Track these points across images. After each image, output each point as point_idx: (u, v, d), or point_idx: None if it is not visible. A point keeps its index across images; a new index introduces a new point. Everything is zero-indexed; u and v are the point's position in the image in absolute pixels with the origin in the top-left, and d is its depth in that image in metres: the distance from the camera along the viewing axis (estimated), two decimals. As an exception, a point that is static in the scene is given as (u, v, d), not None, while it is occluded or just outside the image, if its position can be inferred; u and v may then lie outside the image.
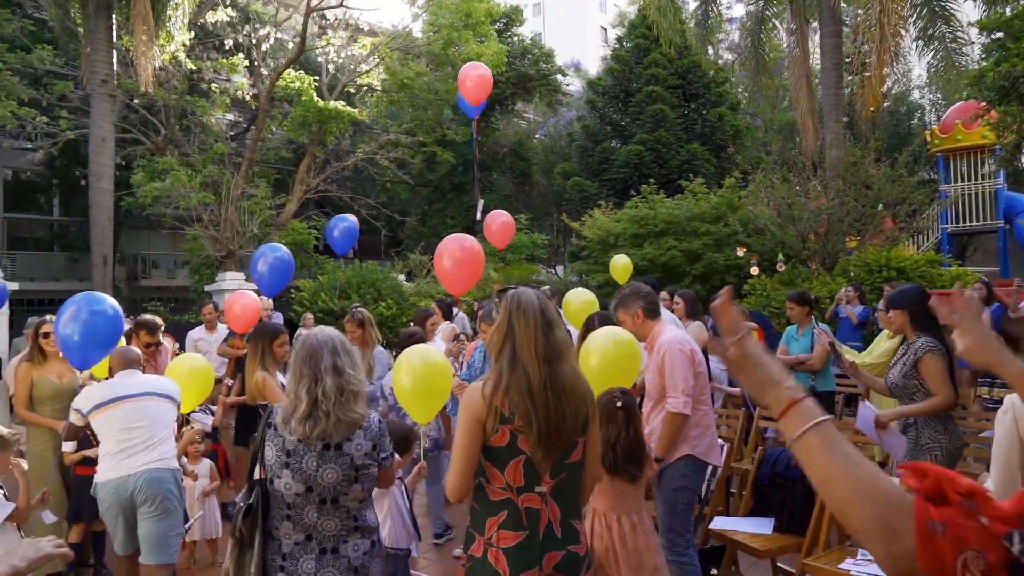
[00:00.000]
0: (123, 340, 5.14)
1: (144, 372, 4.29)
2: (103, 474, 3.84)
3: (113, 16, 14.18)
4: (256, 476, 2.62)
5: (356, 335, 5.78)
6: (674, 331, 4.00)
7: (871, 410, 4.02)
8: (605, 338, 3.85)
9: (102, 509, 3.87)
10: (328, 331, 2.68)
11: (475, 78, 8.93)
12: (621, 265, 10.50)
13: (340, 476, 2.52)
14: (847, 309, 8.94)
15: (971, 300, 1.55)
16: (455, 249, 5.69)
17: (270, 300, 8.62)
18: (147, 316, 6.05)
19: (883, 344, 5.85)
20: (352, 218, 10.68)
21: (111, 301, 4.69)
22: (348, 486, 2.54)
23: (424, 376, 3.88)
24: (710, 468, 4.08)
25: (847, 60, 15.27)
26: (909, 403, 3.89)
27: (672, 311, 6.36)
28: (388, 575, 3.35)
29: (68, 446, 4.46)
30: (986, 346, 1.55)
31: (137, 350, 4.45)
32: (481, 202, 9.73)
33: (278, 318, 10.94)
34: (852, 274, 10.96)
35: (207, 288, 14.83)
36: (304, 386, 2.54)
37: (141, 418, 3.90)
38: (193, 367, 4.79)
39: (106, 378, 4.61)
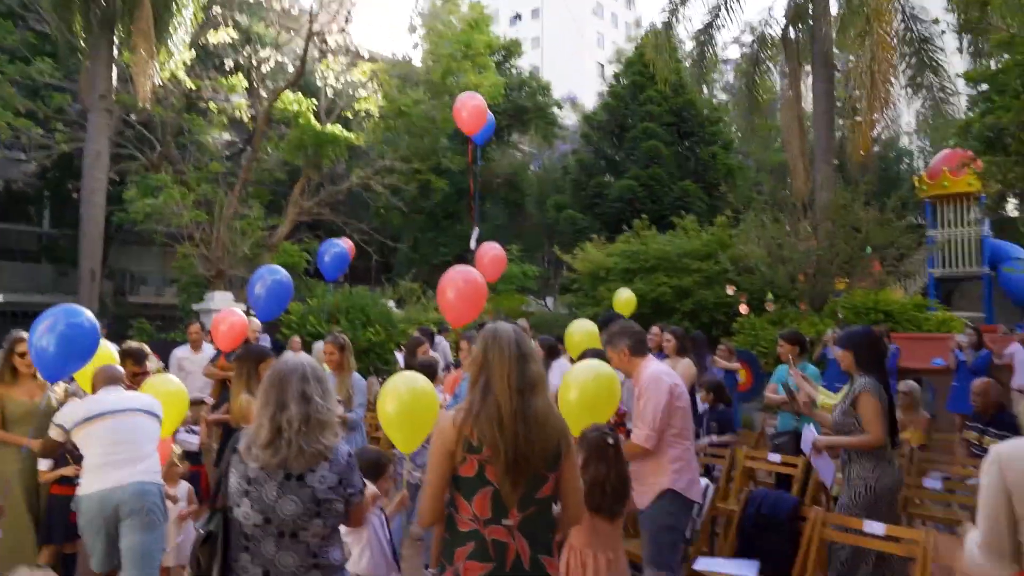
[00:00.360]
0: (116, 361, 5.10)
1: (126, 389, 4.24)
2: (86, 487, 3.76)
3: (115, 32, 14.26)
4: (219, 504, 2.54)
5: (334, 358, 5.74)
6: (657, 365, 4.03)
7: (812, 433, 4.30)
8: (585, 372, 3.86)
9: (83, 523, 3.78)
10: (301, 357, 2.59)
11: (471, 108, 8.97)
12: (624, 299, 10.40)
13: (300, 509, 2.41)
14: (835, 351, 8.96)
15: None
16: (459, 281, 5.67)
17: (258, 322, 8.57)
18: (134, 344, 5.85)
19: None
20: (344, 243, 10.61)
21: (88, 314, 4.61)
22: (308, 520, 2.43)
23: (409, 404, 3.84)
24: (696, 507, 4.07)
25: (839, 104, 15.53)
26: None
27: (662, 347, 6.37)
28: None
29: (44, 464, 4.37)
30: None
31: (120, 368, 4.40)
32: (476, 231, 9.69)
33: (266, 341, 10.85)
34: (840, 316, 11.04)
35: (195, 307, 14.74)
36: (268, 412, 2.45)
37: (126, 432, 3.85)
38: (167, 390, 4.66)
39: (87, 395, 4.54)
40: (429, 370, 5.48)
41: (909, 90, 14.30)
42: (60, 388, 4.91)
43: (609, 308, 10.55)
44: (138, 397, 4.18)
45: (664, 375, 3.89)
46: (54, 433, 3.94)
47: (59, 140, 15.90)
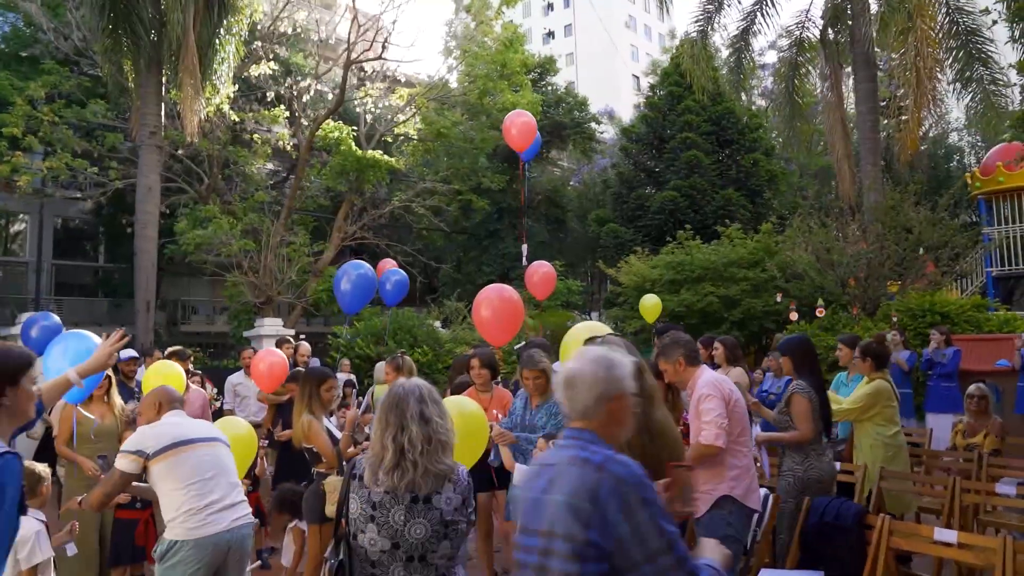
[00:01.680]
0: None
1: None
2: (195, 530, 3.38)
3: (163, 71, 14.74)
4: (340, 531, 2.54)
5: (391, 379, 5.78)
6: (712, 373, 4.04)
7: (756, 429, 4.90)
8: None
9: (186, 568, 3.34)
10: (415, 380, 2.62)
11: (520, 125, 9.04)
12: (651, 305, 10.43)
13: (429, 532, 2.40)
14: (895, 356, 8.69)
15: None
16: (494, 299, 5.66)
17: (308, 346, 8.71)
18: (176, 347, 6.37)
19: (861, 389, 5.65)
20: (402, 272, 10.93)
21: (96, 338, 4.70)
22: (437, 542, 2.42)
23: (460, 429, 3.76)
24: (755, 516, 3.99)
25: (883, 104, 15.21)
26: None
27: (712, 357, 6.28)
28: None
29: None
30: None
31: (174, 390, 4.17)
32: (525, 247, 9.79)
33: (315, 364, 11.02)
34: (895, 319, 10.74)
35: (246, 334, 15.02)
36: (390, 434, 2.45)
37: (213, 466, 3.56)
38: (236, 435, 4.40)
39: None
40: (465, 389, 5.49)
41: (957, 85, 13.90)
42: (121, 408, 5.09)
43: (667, 320, 10.47)
44: (210, 425, 4.01)
45: (721, 381, 3.90)
46: (127, 462, 3.46)
47: (113, 177, 16.47)
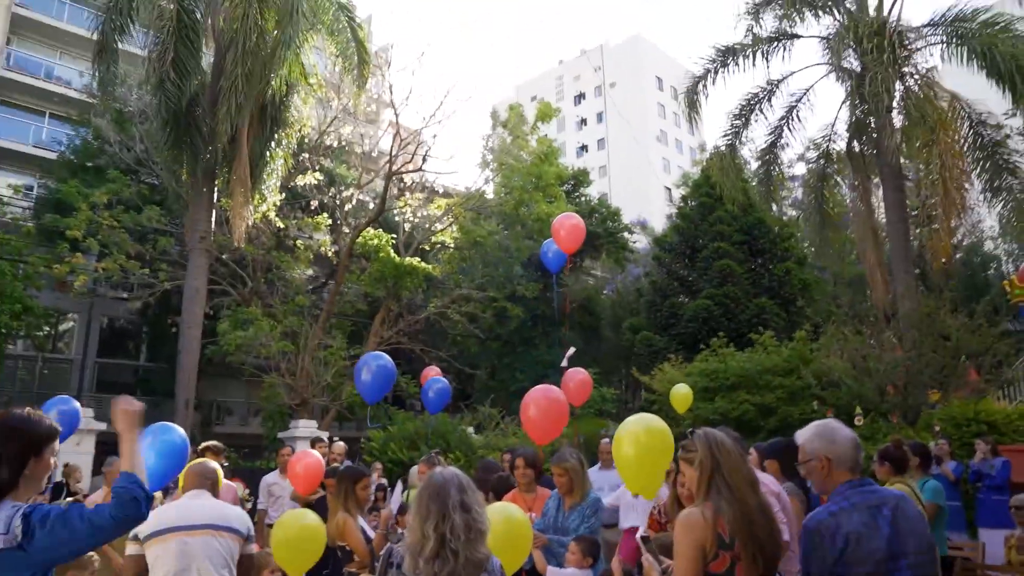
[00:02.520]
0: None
1: (215, 495, 4.01)
2: None
3: (215, 180, 15.61)
4: None
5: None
6: (762, 476, 3.95)
7: None
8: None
9: None
10: (453, 470, 2.65)
11: (568, 227, 9.30)
12: (682, 394, 10.33)
13: None
14: (943, 467, 8.44)
15: None
16: (540, 399, 5.85)
17: (343, 445, 8.76)
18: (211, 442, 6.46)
19: None
20: (444, 381, 11.18)
21: (180, 430, 4.84)
22: None
23: (503, 535, 3.71)
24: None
25: (913, 213, 15.36)
26: None
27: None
28: None
29: None
30: None
31: (216, 465, 4.25)
32: (572, 349, 9.86)
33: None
34: (938, 428, 10.47)
35: (280, 435, 15.12)
36: (432, 523, 2.45)
37: (194, 559, 3.48)
38: (305, 525, 4.25)
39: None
40: (504, 484, 5.47)
41: (988, 195, 14.05)
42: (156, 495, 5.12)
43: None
44: (219, 509, 3.83)
45: (768, 485, 3.83)
46: (128, 547, 3.50)
47: (162, 279, 17.14)
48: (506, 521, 3.61)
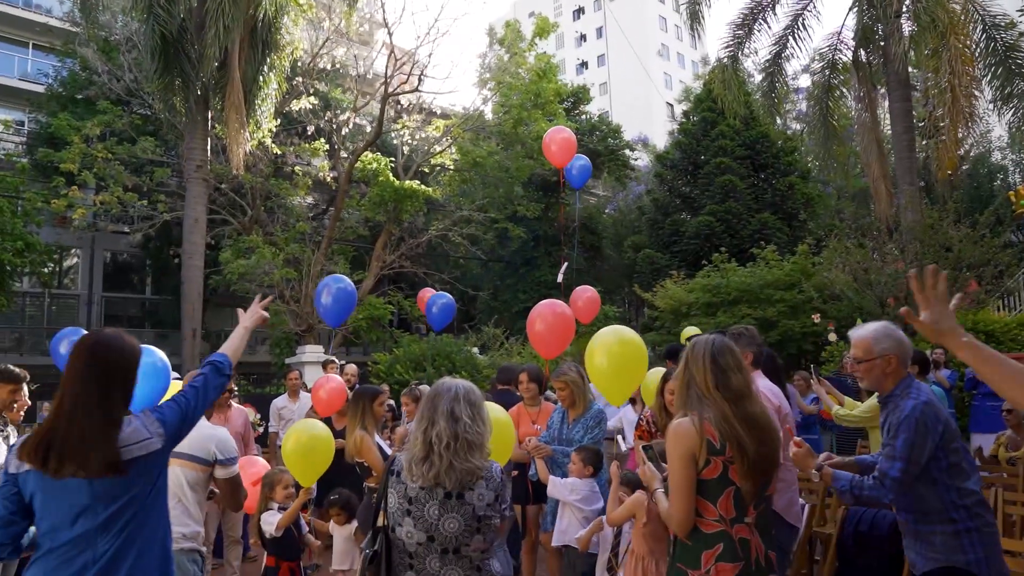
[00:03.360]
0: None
1: (210, 417, 3.87)
2: None
3: (209, 108, 15.34)
4: (379, 523, 2.64)
5: (409, 409, 5.90)
6: (765, 383, 3.96)
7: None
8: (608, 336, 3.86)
9: None
10: (457, 381, 2.72)
11: (559, 141, 9.20)
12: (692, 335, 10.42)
13: (462, 526, 2.49)
14: (936, 374, 8.58)
15: (940, 286, 2.09)
16: (548, 315, 5.94)
17: (355, 367, 8.90)
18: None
19: (871, 400, 5.58)
20: (448, 296, 11.20)
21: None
22: (470, 536, 2.51)
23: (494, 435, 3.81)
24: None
25: (920, 124, 15.09)
26: None
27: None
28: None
29: None
30: (945, 321, 2.05)
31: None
32: (565, 264, 9.89)
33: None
34: (937, 338, 10.58)
35: (288, 360, 15.33)
36: (421, 428, 2.58)
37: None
38: (314, 435, 4.37)
39: None
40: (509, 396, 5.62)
41: (998, 102, 13.74)
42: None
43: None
44: (194, 438, 3.19)
45: (771, 394, 3.85)
46: None
47: (161, 211, 17.06)
48: (494, 422, 3.71)
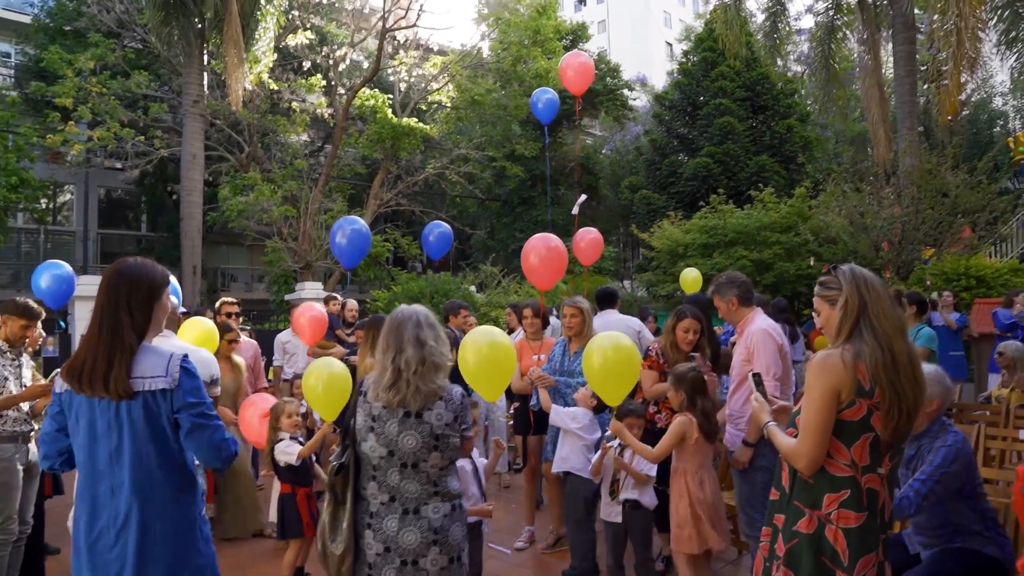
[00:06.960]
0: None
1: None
2: None
3: (206, 42, 15.07)
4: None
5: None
6: (764, 319, 4.12)
7: None
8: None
9: None
10: (415, 307, 2.85)
11: (577, 66, 9.10)
12: (691, 279, 10.55)
13: (419, 443, 2.66)
14: (944, 316, 8.79)
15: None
16: (541, 248, 6.11)
17: (356, 303, 9.06)
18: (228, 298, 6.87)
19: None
20: (446, 225, 11.19)
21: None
22: (427, 453, 2.67)
23: (488, 356, 3.79)
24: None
25: (922, 68, 14.98)
26: None
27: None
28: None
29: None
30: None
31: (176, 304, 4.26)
32: (583, 196, 9.87)
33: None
34: (928, 283, 10.78)
35: (287, 297, 15.47)
36: (389, 356, 2.71)
37: None
38: (332, 373, 4.33)
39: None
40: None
41: (1002, 47, 13.62)
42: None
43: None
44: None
45: (772, 330, 3.99)
46: None
47: (158, 146, 16.89)
48: (491, 345, 3.80)
